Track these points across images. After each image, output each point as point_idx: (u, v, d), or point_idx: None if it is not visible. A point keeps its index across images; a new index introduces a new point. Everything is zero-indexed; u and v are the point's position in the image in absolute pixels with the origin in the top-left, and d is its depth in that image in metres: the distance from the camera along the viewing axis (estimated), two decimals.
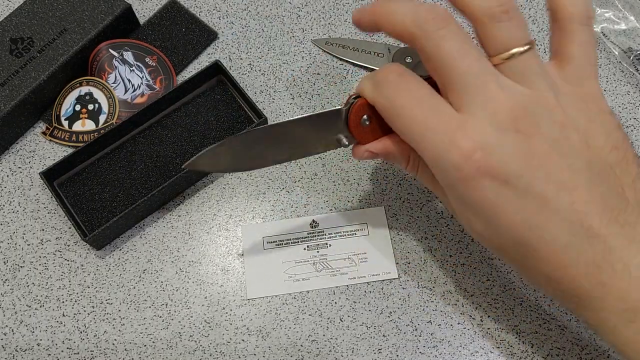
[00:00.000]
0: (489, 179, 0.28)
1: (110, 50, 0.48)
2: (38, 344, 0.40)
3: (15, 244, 0.43)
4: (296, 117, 0.34)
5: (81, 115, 0.47)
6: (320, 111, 0.34)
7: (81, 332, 0.41)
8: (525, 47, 0.29)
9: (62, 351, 0.40)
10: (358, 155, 0.35)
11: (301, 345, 0.40)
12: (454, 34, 0.29)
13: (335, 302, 0.41)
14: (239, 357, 0.40)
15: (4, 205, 0.44)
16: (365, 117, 0.33)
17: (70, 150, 0.46)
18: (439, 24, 0.29)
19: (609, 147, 0.30)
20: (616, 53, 0.48)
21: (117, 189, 0.44)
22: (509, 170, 0.28)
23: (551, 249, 0.29)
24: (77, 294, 0.42)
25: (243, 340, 0.40)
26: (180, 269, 0.42)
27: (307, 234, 0.43)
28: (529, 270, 0.31)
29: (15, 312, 0.41)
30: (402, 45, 0.49)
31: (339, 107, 0.34)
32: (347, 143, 0.35)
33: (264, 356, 0.40)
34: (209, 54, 0.49)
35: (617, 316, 0.29)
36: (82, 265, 0.42)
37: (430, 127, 0.29)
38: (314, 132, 0.35)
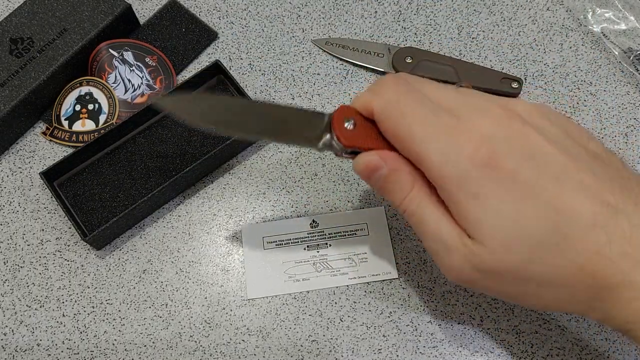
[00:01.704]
0: (499, 170, 0.29)
1: (110, 50, 0.48)
2: (38, 344, 0.40)
3: (15, 244, 0.43)
4: (282, 104, 0.33)
5: (81, 115, 0.47)
6: (306, 109, 0.34)
7: (81, 333, 0.41)
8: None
9: (62, 351, 0.40)
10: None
11: (301, 346, 0.40)
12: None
13: (336, 302, 0.41)
14: (239, 358, 0.40)
15: (4, 206, 0.44)
16: (349, 119, 0.33)
17: (70, 150, 0.46)
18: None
19: (585, 138, 0.31)
20: (616, 53, 0.48)
21: (117, 189, 0.44)
22: (517, 160, 0.29)
23: (581, 230, 0.28)
24: (77, 294, 0.42)
25: (243, 340, 0.40)
26: (180, 269, 0.42)
27: (307, 234, 0.43)
28: (561, 265, 0.29)
29: (15, 312, 0.41)
30: (402, 45, 0.49)
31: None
32: (329, 139, 0.33)
33: (264, 356, 0.40)
34: (209, 54, 0.49)
35: None
36: (82, 266, 0.42)
37: (433, 129, 0.30)
38: (296, 125, 0.34)
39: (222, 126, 0.34)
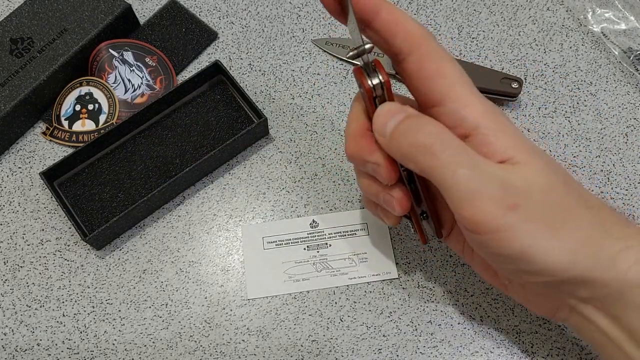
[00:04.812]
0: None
1: (110, 50, 0.48)
2: (38, 344, 0.40)
3: (15, 244, 0.43)
4: None
5: (81, 115, 0.47)
6: None
7: (81, 332, 0.41)
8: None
9: (62, 351, 0.40)
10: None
11: (301, 346, 0.40)
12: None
13: (336, 302, 0.41)
14: (239, 357, 0.40)
15: (4, 205, 0.44)
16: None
17: (70, 150, 0.46)
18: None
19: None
20: (616, 53, 0.48)
21: (117, 189, 0.44)
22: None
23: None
24: (77, 294, 0.42)
25: (243, 340, 0.40)
26: (180, 269, 0.42)
27: (307, 234, 0.43)
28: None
29: (15, 312, 0.41)
30: None
31: None
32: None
33: (264, 356, 0.40)
34: (209, 54, 0.49)
35: None
36: (82, 265, 0.42)
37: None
38: None
39: None
